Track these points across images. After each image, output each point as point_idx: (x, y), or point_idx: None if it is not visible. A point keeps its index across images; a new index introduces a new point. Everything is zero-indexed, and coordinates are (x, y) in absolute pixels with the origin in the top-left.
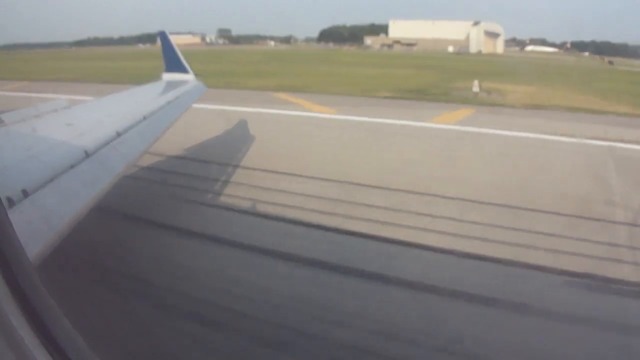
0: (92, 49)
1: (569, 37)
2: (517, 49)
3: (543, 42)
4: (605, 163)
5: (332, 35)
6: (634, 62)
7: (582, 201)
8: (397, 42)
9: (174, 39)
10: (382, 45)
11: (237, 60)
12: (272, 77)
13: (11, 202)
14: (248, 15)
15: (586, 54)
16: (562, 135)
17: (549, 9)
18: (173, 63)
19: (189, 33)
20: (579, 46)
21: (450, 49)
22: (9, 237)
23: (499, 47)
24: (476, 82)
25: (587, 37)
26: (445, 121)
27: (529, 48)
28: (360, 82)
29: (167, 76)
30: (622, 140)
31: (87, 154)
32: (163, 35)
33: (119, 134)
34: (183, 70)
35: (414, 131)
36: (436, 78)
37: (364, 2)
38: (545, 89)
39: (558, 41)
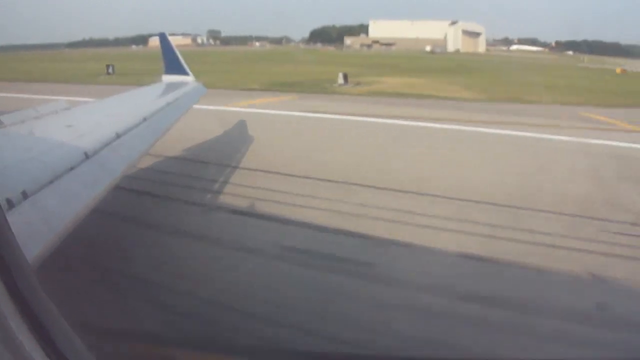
0: (85, 50)
1: (565, 37)
2: (504, 48)
3: (533, 42)
4: (334, 130)
5: (322, 35)
6: (614, 60)
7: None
8: (376, 42)
9: None
10: (362, 45)
11: (200, 61)
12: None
13: (11, 204)
14: (247, 16)
15: (570, 52)
16: (341, 114)
17: (548, 9)
18: (172, 65)
19: (183, 34)
20: (571, 45)
21: (428, 48)
22: (7, 240)
23: (481, 46)
24: (340, 75)
25: (583, 37)
26: (238, 105)
27: (514, 47)
28: (261, 78)
29: (167, 78)
30: (394, 117)
31: (87, 156)
32: (163, 37)
33: (118, 136)
34: (183, 72)
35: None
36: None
37: (360, 2)
38: (432, 81)
39: (550, 40)
